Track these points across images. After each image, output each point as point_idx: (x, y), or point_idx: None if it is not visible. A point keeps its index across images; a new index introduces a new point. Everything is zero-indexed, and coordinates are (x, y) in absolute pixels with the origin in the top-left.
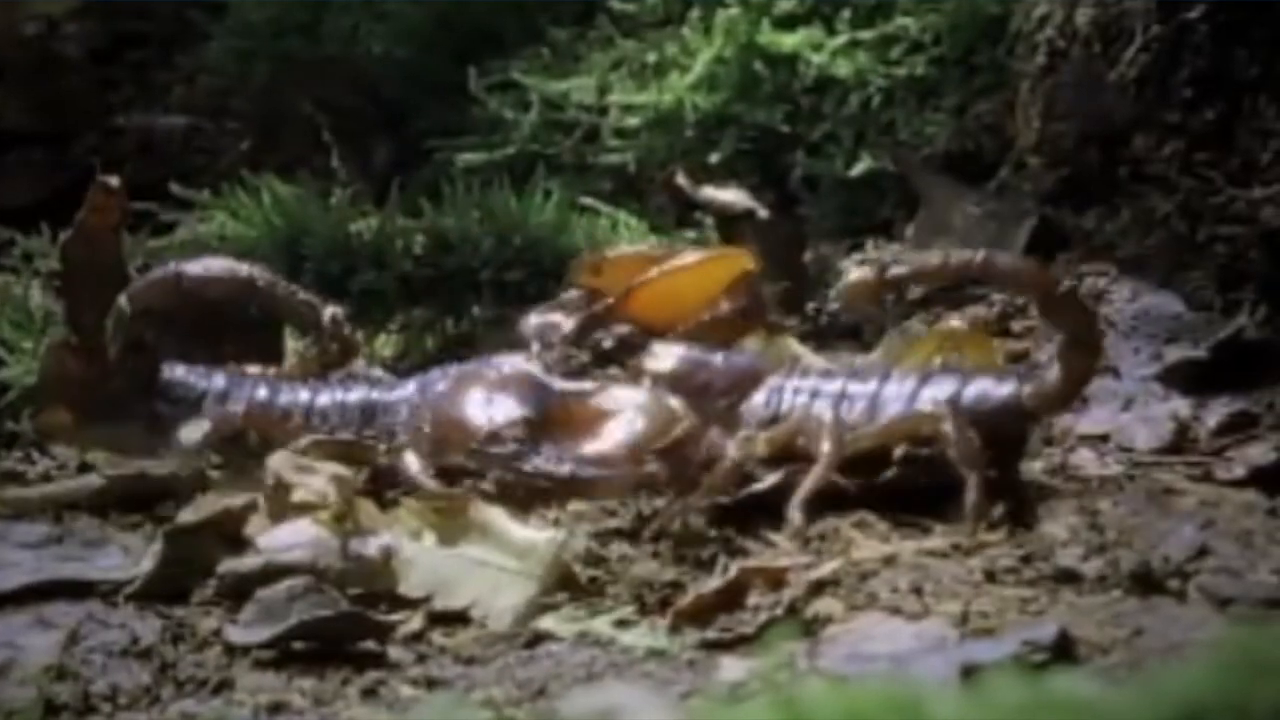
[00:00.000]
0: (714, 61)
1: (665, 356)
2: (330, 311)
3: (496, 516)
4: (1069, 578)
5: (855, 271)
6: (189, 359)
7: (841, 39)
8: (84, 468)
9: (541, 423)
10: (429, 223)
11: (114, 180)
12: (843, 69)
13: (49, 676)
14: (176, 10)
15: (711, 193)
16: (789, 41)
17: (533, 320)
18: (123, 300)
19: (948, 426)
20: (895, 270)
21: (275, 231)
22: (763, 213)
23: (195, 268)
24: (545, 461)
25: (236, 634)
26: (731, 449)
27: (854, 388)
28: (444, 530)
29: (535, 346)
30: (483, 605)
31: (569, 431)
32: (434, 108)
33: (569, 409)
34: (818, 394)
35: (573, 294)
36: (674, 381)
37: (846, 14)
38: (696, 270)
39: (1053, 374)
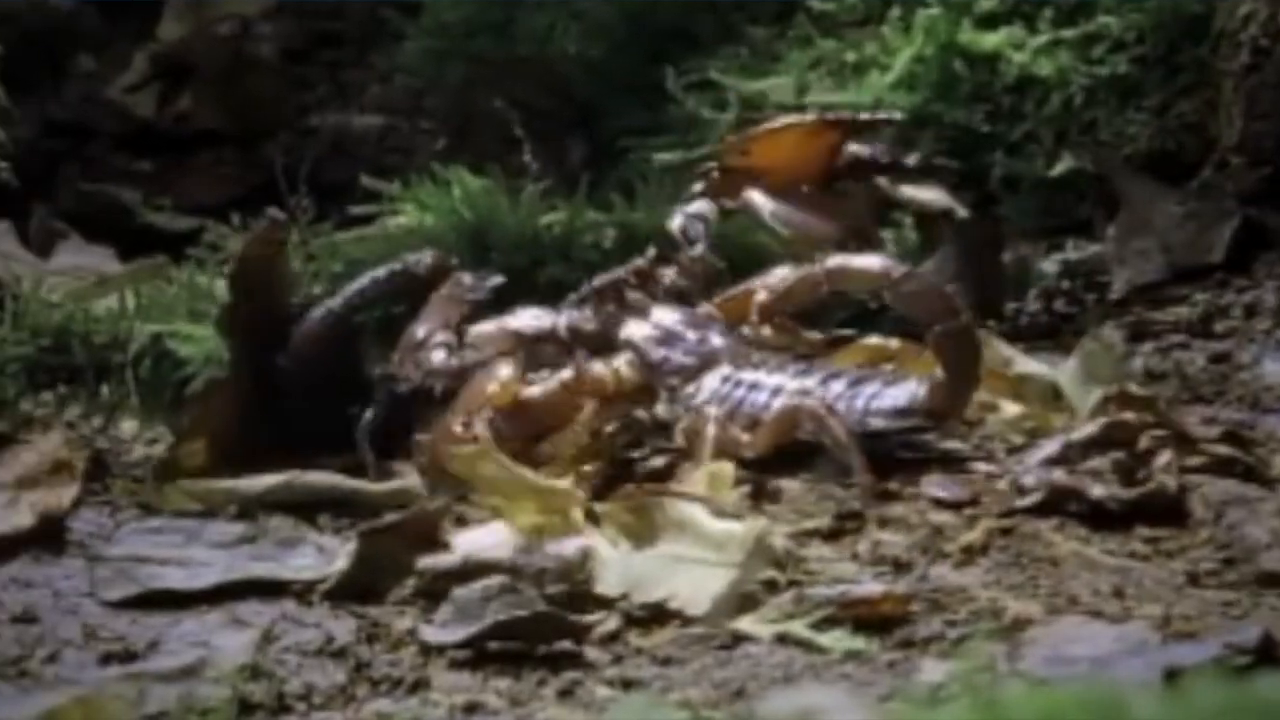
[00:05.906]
0: (914, 61)
1: (639, 326)
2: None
3: (691, 511)
4: (1272, 581)
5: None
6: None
7: (1043, 38)
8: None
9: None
10: (619, 217)
11: (281, 215)
12: (1044, 68)
13: (243, 675)
14: (370, 10)
15: (910, 192)
16: (990, 41)
17: (677, 220)
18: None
19: (818, 420)
20: (760, 299)
21: (463, 223)
22: (961, 212)
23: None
24: None
25: (432, 634)
26: (710, 430)
27: (792, 385)
28: (638, 529)
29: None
30: (681, 597)
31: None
32: (628, 107)
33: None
34: (757, 387)
35: (714, 177)
36: (636, 351)
37: (1048, 13)
38: (795, 129)
39: (939, 371)
